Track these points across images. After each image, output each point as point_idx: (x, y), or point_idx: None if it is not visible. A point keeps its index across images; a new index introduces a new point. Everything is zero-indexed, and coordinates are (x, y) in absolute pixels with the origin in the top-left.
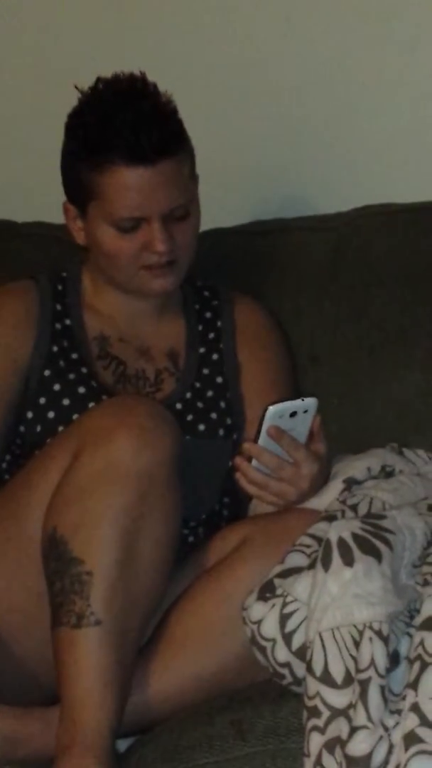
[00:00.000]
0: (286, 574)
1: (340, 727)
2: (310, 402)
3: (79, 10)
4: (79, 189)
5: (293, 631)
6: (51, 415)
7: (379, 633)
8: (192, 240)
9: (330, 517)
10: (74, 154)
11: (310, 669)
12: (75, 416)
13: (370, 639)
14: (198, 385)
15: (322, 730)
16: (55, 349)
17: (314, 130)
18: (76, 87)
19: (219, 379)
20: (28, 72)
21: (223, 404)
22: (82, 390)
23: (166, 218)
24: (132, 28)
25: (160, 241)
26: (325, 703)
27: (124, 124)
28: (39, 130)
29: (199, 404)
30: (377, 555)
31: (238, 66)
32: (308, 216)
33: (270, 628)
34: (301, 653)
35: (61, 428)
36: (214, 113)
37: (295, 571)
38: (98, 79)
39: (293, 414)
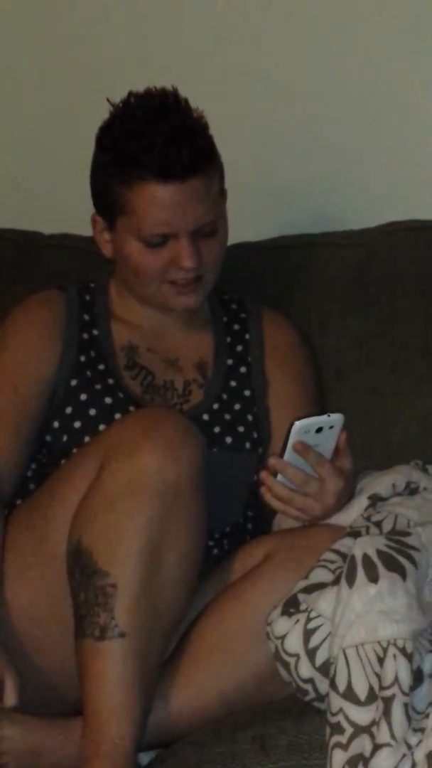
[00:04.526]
0: (310, 589)
1: (363, 744)
2: (337, 418)
3: (110, 26)
4: (107, 202)
5: (317, 647)
6: (77, 425)
7: (403, 650)
8: (219, 256)
9: (354, 533)
10: (104, 167)
11: (333, 685)
12: (101, 426)
13: (394, 656)
14: (225, 396)
15: (344, 747)
16: (82, 359)
17: (342, 147)
18: (107, 100)
19: (246, 392)
20: (56, 83)
21: (250, 417)
22: (108, 400)
23: (194, 234)
24: (162, 44)
25: (187, 257)
26: (348, 720)
27: (155, 140)
28: (66, 141)
29: (227, 416)
30: (402, 572)
31: (267, 82)
32: (335, 232)
33: (294, 643)
34: (325, 669)
35: (87, 438)
36: (242, 129)
37: (320, 586)
38: (130, 93)
39: (319, 429)
